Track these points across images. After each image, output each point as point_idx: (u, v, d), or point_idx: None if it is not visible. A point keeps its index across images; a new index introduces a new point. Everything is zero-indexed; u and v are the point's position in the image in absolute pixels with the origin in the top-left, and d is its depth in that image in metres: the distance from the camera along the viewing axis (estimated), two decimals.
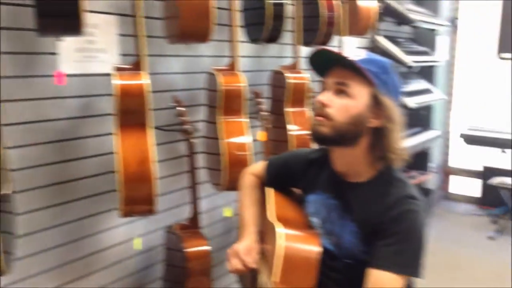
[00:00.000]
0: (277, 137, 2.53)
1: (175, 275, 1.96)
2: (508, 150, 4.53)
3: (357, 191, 1.30)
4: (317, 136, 1.27)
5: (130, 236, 2.01)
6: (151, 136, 1.71)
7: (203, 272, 1.91)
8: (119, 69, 1.76)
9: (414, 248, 1.20)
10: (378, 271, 1.18)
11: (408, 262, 1.19)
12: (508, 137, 4.50)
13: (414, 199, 1.24)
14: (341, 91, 1.25)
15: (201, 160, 2.31)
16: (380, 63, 1.28)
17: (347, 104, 1.24)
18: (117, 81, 1.68)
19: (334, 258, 1.32)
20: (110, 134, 1.77)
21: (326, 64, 1.30)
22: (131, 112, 1.68)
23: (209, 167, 2.26)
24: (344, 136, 1.25)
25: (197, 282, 1.89)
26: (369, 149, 1.28)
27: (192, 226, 2.02)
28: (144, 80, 1.70)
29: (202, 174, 2.31)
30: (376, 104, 1.25)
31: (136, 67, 1.78)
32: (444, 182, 5.21)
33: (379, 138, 1.26)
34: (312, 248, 1.27)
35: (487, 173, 4.80)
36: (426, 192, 4.49)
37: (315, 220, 1.38)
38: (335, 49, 1.29)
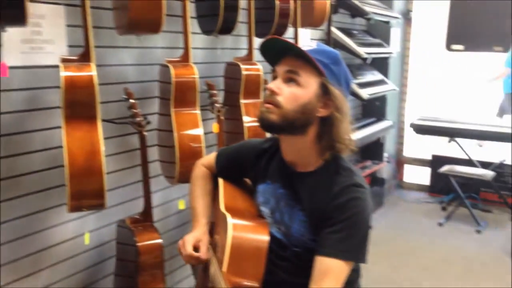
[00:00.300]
0: (232, 129, 2.53)
1: (127, 269, 1.94)
2: (460, 140, 4.71)
3: (305, 181, 1.32)
4: (265, 123, 1.28)
5: (81, 232, 1.96)
6: (100, 129, 1.68)
7: (155, 266, 1.89)
8: (65, 61, 1.72)
9: (359, 235, 1.23)
10: (325, 258, 1.21)
11: (353, 249, 1.22)
12: (456, 126, 4.68)
13: (360, 187, 1.27)
14: (291, 80, 1.27)
15: (155, 153, 2.30)
16: (330, 54, 1.30)
17: (296, 93, 1.25)
18: (63, 73, 1.63)
19: (283, 247, 1.35)
20: (59, 127, 1.73)
21: (278, 53, 1.31)
22: (78, 104, 1.64)
23: (162, 160, 2.24)
24: (292, 124, 1.26)
25: (149, 276, 1.88)
26: (317, 139, 1.30)
27: (144, 219, 2.00)
28: (91, 71, 1.67)
29: (157, 167, 2.29)
30: (325, 93, 1.27)
31: (84, 58, 1.74)
32: (399, 171, 5.37)
33: (327, 128, 1.28)
34: (261, 237, 1.29)
35: (435, 162, 4.99)
36: (380, 181, 4.62)
37: (264, 210, 1.40)
38: (288, 40, 1.31)
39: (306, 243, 1.30)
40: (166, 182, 2.26)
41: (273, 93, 1.27)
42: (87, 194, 1.63)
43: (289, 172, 1.36)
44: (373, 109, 4.79)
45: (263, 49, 1.35)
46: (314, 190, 1.30)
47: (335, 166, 1.31)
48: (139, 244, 1.87)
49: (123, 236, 1.98)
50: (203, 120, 2.54)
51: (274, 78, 1.31)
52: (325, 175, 1.30)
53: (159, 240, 1.93)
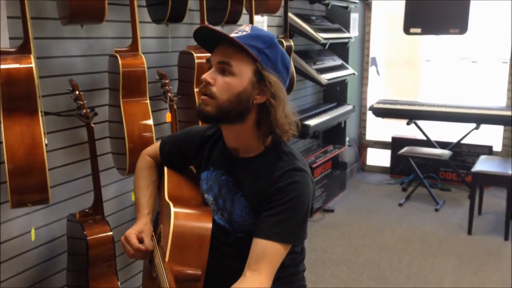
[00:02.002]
0: (187, 118, 2.52)
1: (78, 264, 1.91)
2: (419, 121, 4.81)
3: (246, 167, 1.33)
4: (201, 116, 1.28)
5: (30, 228, 1.92)
6: (41, 123, 1.64)
7: (106, 259, 1.87)
8: (3, 53, 1.66)
9: (297, 218, 1.24)
10: (261, 240, 1.22)
11: (290, 232, 1.24)
12: (414, 108, 4.77)
13: (300, 172, 1.27)
14: (224, 70, 1.26)
15: (108, 145, 2.26)
16: (265, 38, 1.27)
17: (230, 82, 1.24)
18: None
19: (226, 233, 1.35)
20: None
21: (212, 41, 1.29)
22: (17, 98, 1.60)
23: (114, 151, 2.22)
24: (229, 114, 1.25)
25: (101, 270, 1.86)
26: (256, 125, 1.29)
27: (94, 213, 1.97)
28: (30, 63, 1.62)
29: (110, 160, 2.26)
30: (261, 80, 1.25)
31: (23, 50, 1.69)
32: (361, 155, 5.45)
33: (264, 114, 1.27)
34: (203, 225, 1.29)
35: (395, 144, 5.09)
36: (342, 165, 4.68)
37: (208, 197, 1.40)
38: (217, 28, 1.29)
39: (249, 228, 1.30)
40: (119, 175, 2.23)
41: (207, 84, 1.26)
42: (29, 189, 1.59)
43: (231, 159, 1.36)
44: (334, 94, 4.84)
45: (197, 39, 1.33)
46: (255, 176, 1.30)
47: (276, 151, 1.32)
48: (89, 237, 1.84)
49: (73, 230, 1.95)
50: (158, 110, 2.52)
51: (210, 68, 1.30)
52: (266, 160, 1.31)
53: (109, 233, 1.91)
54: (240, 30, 1.27)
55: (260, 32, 1.29)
